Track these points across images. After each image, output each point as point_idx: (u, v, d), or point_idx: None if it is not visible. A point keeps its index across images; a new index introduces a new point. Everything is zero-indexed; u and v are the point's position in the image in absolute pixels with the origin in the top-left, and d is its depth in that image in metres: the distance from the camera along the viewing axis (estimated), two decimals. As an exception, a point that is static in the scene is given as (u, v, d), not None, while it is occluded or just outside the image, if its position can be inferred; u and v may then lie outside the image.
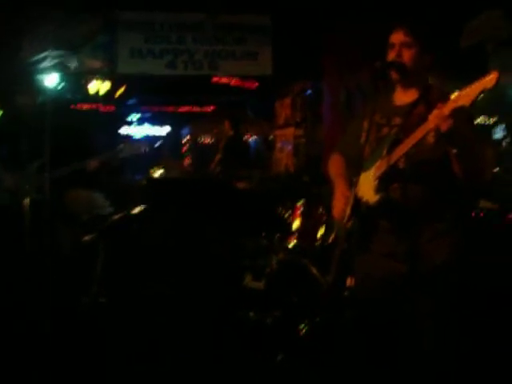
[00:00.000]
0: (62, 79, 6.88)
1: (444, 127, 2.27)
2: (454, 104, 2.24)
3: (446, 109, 2.26)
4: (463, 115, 2.34)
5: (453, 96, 2.27)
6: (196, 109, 14.19)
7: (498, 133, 11.70)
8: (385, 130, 2.74)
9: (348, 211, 2.61)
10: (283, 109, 10.61)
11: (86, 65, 6.94)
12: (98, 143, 5.04)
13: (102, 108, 12.13)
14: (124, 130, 16.12)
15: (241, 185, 6.35)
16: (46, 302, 4.19)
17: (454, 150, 2.41)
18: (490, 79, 2.15)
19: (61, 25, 6.39)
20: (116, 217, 4.84)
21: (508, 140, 11.43)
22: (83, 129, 5.07)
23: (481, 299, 3.72)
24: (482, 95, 2.19)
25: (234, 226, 5.37)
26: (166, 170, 7.50)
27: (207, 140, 15.91)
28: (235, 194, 5.97)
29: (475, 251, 3.62)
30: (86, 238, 4.67)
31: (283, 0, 6.33)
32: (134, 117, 16.16)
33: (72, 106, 10.05)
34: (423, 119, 2.40)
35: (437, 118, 2.29)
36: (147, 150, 4.67)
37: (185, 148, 16.15)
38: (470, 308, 3.27)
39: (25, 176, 4.36)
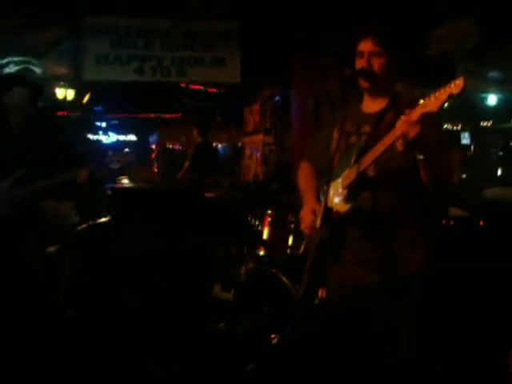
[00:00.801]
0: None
1: (412, 133, 2.26)
2: (421, 110, 2.23)
3: (414, 114, 2.25)
4: (431, 121, 2.32)
5: (420, 102, 2.26)
6: (164, 115, 14.10)
7: (466, 138, 11.88)
8: (353, 138, 2.73)
9: (318, 221, 2.57)
10: (252, 115, 10.59)
11: (51, 71, 6.83)
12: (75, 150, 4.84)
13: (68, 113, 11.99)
14: (93, 136, 15.98)
15: (209, 193, 6.29)
16: (13, 315, 4.05)
17: (421, 157, 2.40)
18: (456, 85, 2.14)
19: (24, 30, 6.26)
20: (81, 227, 4.75)
21: (473, 146, 11.63)
22: (65, 135, 4.85)
23: (452, 306, 3.74)
24: (448, 101, 2.18)
25: (203, 236, 5.31)
26: (134, 178, 7.40)
27: (175, 147, 15.82)
28: (203, 202, 5.91)
29: (448, 259, 3.64)
30: (51, 248, 4.55)
31: (252, 6, 6.30)
32: (103, 123, 16.04)
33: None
34: (392, 127, 2.39)
35: (404, 124, 2.28)
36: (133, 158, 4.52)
37: (153, 155, 16.04)
38: (441, 315, 3.28)
39: (4, 187, 4.13)
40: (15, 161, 4.01)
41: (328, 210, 2.58)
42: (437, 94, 2.19)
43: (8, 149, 4.04)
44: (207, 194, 6.15)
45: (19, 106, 4.07)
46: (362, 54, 2.67)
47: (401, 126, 2.29)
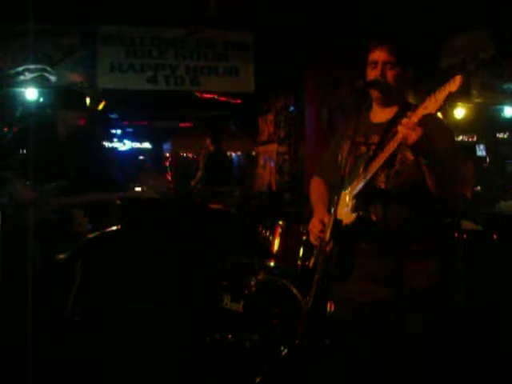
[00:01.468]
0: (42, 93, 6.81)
1: (413, 137, 2.24)
2: (422, 111, 2.23)
3: (415, 117, 2.24)
4: (437, 126, 2.32)
5: (421, 105, 2.25)
6: (179, 123, 14.14)
7: (482, 150, 11.77)
8: (362, 149, 2.71)
9: (328, 233, 2.55)
10: (266, 125, 10.57)
11: (66, 78, 6.85)
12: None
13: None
14: (108, 143, 16.03)
15: (220, 203, 6.25)
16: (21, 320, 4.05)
17: (425, 161, 2.37)
18: (454, 83, 2.13)
19: (39, 38, 6.31)
20: (92, 235, 4.74)
21: (489, 158, 11.52)
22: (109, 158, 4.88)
23: (464, 321, 3.69)
24: (448, 100, 2.18)
25: (213, 246, 5.29)
26: (147, 186, 7.39)
27: (189, 155, 15.83)
28: (213, 213, 5.89)
29: (460, 274, 3.59)
30: (61, 255, 4.55)
31: (265, 17, 6.31)
32: (118, 130, 16.11)
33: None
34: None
35: (405, 128, 2.27)
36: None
37: (167, 163, 16.09)
38: (452, 330, 3.24)
39: (46, 193, 4.09)
40: (57, 170, 4.09)
41: (338, 222, 2.55)
42: (436, 94, 2.18)
43: (53, 158, 4.11)
44: (213, 206, 6.10)
45: (69, 125, 4.16)
46: (375, 63, 2.63)
47: (402, 129, 2.28)
